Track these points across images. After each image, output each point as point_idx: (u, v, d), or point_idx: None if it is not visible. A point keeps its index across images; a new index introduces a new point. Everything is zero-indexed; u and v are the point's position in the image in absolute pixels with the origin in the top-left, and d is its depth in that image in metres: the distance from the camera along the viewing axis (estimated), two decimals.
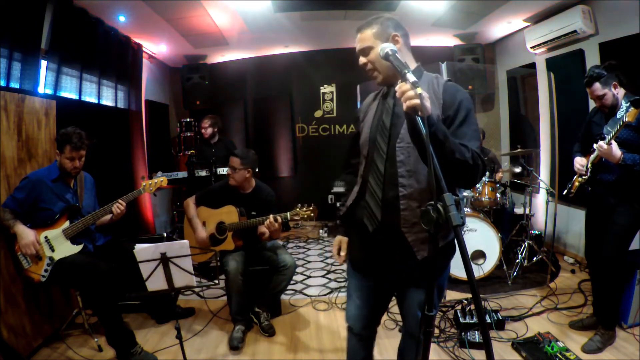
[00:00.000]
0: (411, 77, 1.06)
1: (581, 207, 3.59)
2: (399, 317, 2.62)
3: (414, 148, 1.26)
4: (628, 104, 2.01)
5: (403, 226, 1.34)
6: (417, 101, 1.04)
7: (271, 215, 2.53)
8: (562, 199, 2.82)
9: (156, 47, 5.03)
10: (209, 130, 4.38)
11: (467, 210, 3.55)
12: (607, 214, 2.32)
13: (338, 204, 5.21)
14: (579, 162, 2.42)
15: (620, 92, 2.23)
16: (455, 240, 0.93)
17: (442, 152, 1.11)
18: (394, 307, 2.84)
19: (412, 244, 1.34)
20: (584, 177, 2.39)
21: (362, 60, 1.40)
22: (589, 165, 2.34)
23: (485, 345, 0.89)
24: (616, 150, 2.09)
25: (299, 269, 3.90)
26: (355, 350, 1.63)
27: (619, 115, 2.18)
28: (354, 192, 1.52)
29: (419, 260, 1.34)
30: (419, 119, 1.03)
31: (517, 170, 3.89)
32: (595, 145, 2.19)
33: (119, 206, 2.42)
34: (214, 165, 4.33)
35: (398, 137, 1.35)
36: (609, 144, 2.09)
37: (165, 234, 3.40)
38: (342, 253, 1.63)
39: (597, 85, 2.22)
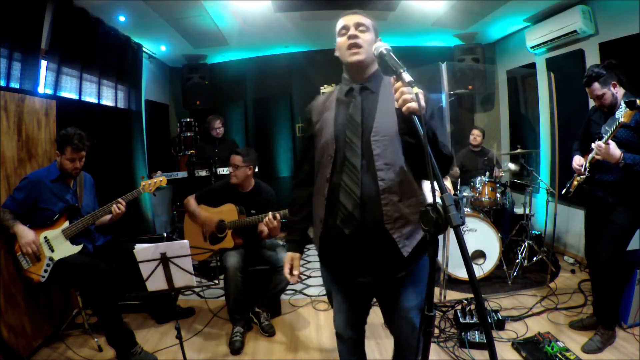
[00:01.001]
0: (407, 77, 1.06)
1: (581, 207, 3.58)
2: None
3: (390, 140, 1.24)
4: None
5: (386, 222, 1.29)
6: (415, 105, 1.03)
7: (270, 213, 2.53)
8: (562, 199, 2.81)
9: (156, 47, 5.03)
10: (222, 130, 4.41)
11: (467, 210, 3.55)
12: (606, 214, 2.31)
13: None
14: (577, 161, 2.40)
15: (619, 91, 2.21)
16: (456, 241, 0.92)
17: (433, 150, 1.09)
18: None
19: (397, 240, 1.30)
20: (582, 176, 2.39)
21: (354, 32, 1.35)
22: (587, 164, 2.33)
23: (489, 346, 0.88)
24: (614, 150, 2.07)
25: None
26: (347, 355, 1.62)
27: (617, 115, 2.17)
28: (319, 200, 1.40)
29: (405, 257, 1.32)
30: (415, 119, 1.03)
31: (511, 165, 3.95)
32: (593, 145, 2.18)
33: (118, 206, 2.42)
34: (215, 165, 4.33)
35: (372, 131, 1.32)
36: (606, 143, 2.08)
37: (165, 234, 3.41)
38: (295, 272, 1.51)
39: (596, 85, 2.20)
